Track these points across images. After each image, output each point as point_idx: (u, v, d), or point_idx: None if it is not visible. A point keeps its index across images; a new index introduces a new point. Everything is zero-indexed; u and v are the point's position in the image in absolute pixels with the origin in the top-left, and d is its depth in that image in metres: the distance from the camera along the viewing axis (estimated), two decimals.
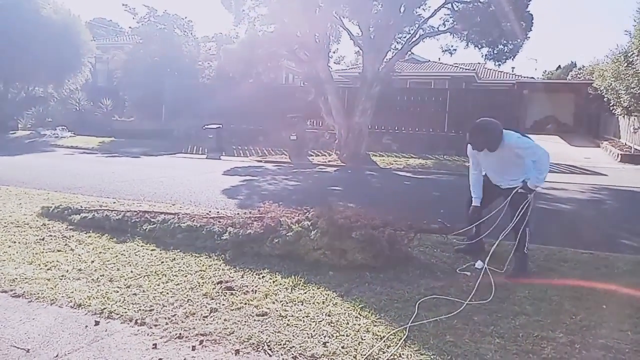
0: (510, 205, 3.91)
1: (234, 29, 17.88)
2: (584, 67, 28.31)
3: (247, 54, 13.57)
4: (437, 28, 13.58)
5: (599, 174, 11.56)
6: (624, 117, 16.20)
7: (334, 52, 19.14)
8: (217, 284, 3.48)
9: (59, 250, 4.18)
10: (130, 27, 22.79)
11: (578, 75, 27.55)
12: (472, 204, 4.15)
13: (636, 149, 14.59)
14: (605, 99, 16.73)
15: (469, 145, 4.01)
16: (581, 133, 22.56)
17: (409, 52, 15.35)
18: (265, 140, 16.59)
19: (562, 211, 7.11)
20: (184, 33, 20.66)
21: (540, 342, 2.70)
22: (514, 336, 2.76)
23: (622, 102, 15.26)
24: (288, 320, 2.92)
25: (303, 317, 2.96)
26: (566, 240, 5.08)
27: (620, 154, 14.33)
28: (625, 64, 14.68)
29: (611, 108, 16.56)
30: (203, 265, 3.88)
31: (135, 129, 18.09)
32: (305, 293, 3.35)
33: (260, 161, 13.02)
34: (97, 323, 2.84)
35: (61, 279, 3.51)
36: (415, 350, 2.58)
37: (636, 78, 13.85)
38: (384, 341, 2.67)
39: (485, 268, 3.68)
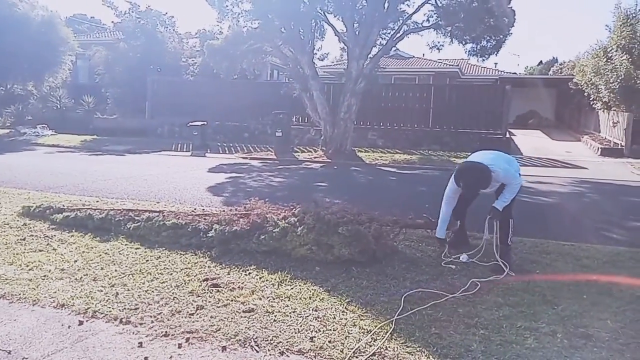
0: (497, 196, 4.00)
1: (217, 25, 17.58)
2: (565, 62, 28.73)
3: (231, 51, 13.46)
4: (421, 24, 13.61)
5: (580, 167, 11.78)
6: (603, 111, 16.51)
7: (318, 49, 19.03)
8: (203, 281, 3.46)
9: (40, 250, 4.11)
10: (112, 22, 22.37)
11: (559, 71, 27.94)
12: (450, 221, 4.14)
13: (615, 143, 14.89)
14: (585, 94, 17.02)
15: (453, 180, 4.00)
16: (562, 127, 22.96)
17: (394, 48, 15.38)
18: (251, 137, 16.50)
19: (544, 204, 7.23)
20: (167, 29, 20.38)
21: (523, 332, 2.76)
22: (498, 327, 2.81)
23: (601, 97, 15.56)
24: (275, 316, 2.92)
25: (290, 313, 2.96)
26: (548, 233, 5.18)
27: (600, 148, 14.61)
28: (605, 59, 14.96)
29: (591, 103, 16.87)
30: (189, 263, 3.86)
31: (118, 126, 17.78)
32: (292, 289, 3.36)
33: (246, 158, 12.94)
34: (81, 323, 2.81)
35: (43, 279, 3.45)
36: (402, 343, 2.61)
37: (615, 73, 14.12)
38: (371, 335, 2.69)
39: (472, 261, 3.74)
